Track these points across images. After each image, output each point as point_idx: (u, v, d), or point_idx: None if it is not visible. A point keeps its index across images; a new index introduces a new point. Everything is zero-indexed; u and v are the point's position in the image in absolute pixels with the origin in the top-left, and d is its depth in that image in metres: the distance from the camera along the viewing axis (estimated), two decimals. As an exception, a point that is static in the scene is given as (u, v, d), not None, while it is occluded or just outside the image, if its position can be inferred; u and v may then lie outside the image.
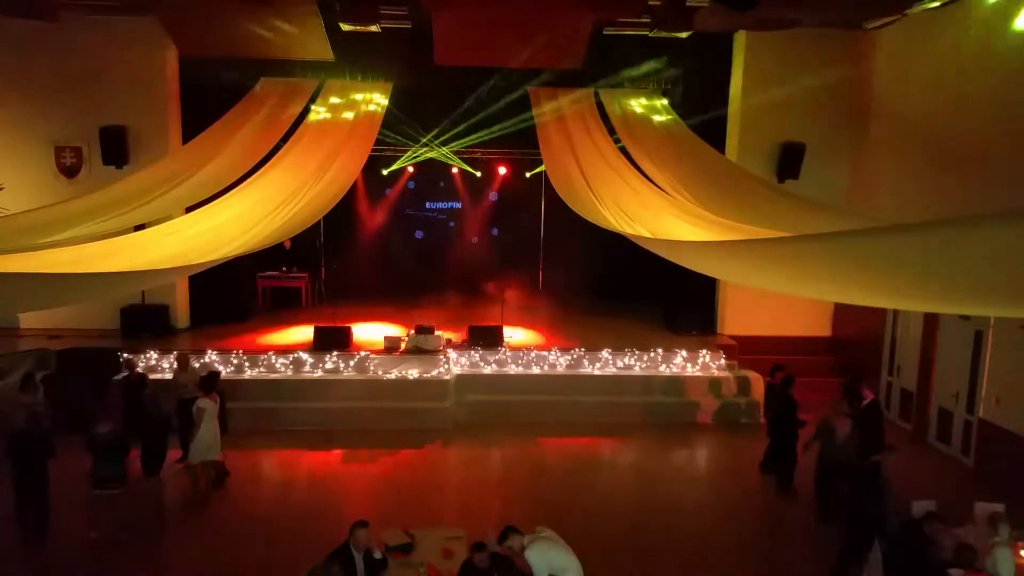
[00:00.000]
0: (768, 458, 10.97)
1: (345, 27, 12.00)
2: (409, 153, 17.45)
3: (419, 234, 19.10)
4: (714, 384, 13.33)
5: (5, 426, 9.58)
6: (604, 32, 13.51)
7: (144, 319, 14.21)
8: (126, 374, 11.34)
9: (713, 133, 14.14)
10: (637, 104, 14.80)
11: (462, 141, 16.95)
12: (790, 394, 10.66)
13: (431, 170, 18.49)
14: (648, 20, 12.18)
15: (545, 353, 13.60)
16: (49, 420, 9.58)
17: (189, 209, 12.36)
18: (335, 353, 13.19)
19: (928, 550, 6.88)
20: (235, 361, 12.99)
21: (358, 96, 14.51)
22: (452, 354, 13.54)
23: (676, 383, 13.33)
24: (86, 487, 8.83)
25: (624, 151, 13.84)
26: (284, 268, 17.80)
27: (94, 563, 8.21)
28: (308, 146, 13.52)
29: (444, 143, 17.09)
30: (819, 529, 9.36)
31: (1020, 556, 7.22)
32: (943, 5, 11.73)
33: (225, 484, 10.21)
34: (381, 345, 13.61)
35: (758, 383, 13.20)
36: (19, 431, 8.75)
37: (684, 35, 12.11)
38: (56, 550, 8.44)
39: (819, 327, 15.27)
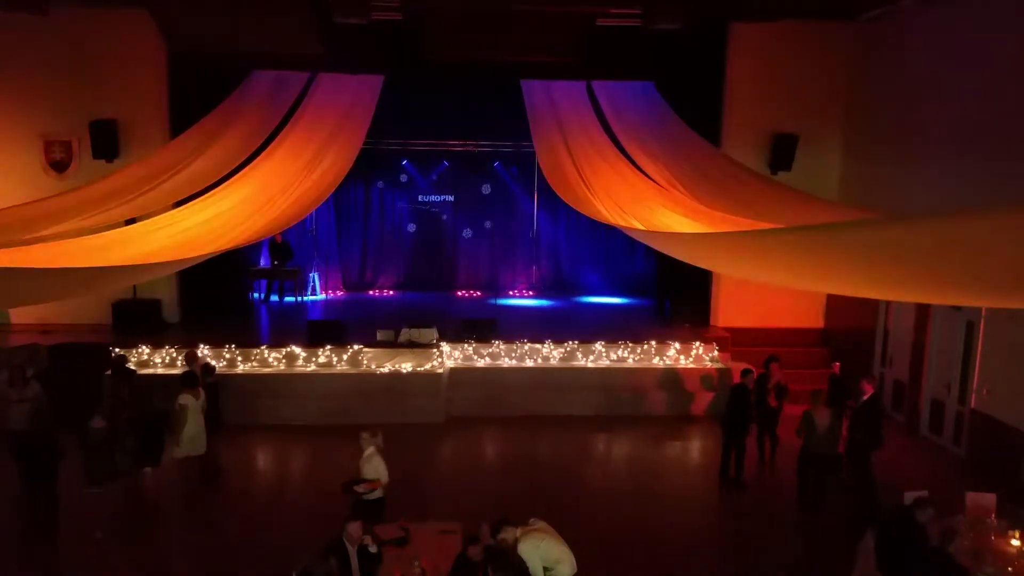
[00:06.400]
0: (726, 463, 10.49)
1: (336, 19, 11.94)
2: (401, 147, 17.41)
3: (411, 227, 19.06)
4: (707, 377, 13.35)
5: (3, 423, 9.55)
6: (597, 23, 13.46)
7: (136, 314, 14.15)
8: (110, 370, 11.24)
9: (706, 125, 14.12)
10: (630, 96, 14.75)
11: (454, 134, 16.91)
12: (744, 385, 10.43)
13: (423, 163, 18.44)
14: (641, 12, 12.15)
15: (538, 346, 13.60)
16: (50, 416, 9.51)
17: (180, 203, 12.28)
18: (328, 347, 13.15)
19: (919, 536, 6.91)
20: (227, 355, 12.93)
21: (349, 89, 14.42)
22: (445, 347, 13.53)
23: (669, 375, 13.34)
24: (81, 484, 8.80)
25: (617, 143, 13.81)
26: (276, 262, 17.72)
27: (90, 561, 8.18)
28: (299, 140, 13.44)
29: (436, 136, 17.01)
30: (804, 520, 9.42)
31: (1011, 545, 7.28)
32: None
33: (219, 482, 10.15)
34: (374, 339, 13.59)
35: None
36: (22, 430, 8.59)
37: (676, 26, 12.10)
38: (58, 548, 8.42)
39: (812, 319, 15.29)
